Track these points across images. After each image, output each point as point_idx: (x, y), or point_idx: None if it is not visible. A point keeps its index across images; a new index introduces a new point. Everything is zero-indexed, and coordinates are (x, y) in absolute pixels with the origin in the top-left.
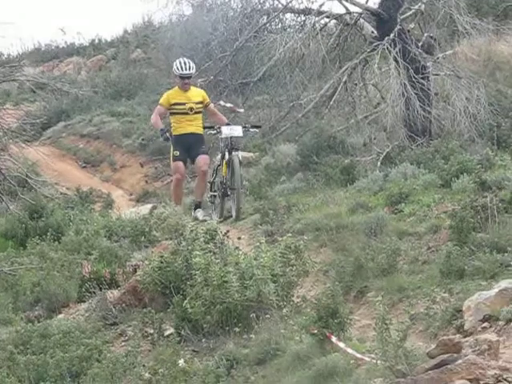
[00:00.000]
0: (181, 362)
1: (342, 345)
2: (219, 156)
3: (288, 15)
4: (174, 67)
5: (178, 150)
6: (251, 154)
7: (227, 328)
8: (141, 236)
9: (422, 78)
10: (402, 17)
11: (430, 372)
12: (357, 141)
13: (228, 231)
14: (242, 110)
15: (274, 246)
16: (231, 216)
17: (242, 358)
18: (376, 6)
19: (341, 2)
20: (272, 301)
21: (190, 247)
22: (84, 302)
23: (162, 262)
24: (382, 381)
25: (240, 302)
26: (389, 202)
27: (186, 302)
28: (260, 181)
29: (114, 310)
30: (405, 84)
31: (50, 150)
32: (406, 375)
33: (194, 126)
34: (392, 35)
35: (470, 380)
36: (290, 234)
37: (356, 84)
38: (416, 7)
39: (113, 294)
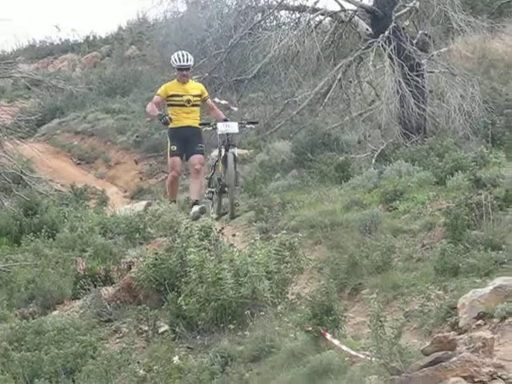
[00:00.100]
0: (175, 358)
1: (336, 342)
2: (217, 152)
3: (283, 12)
4: (172, 59)
5: (174, 145)
6: (246, 151)
7: (222, 325)
8: (135, 233)
9: (417, 76)
10: (396, 14)
11: (424, 369)
12: (351, 138)
13: (223, 228)
14: (235, 109)
15: (269, 243)
16: (228, 212)
17: (237, 355)
18: (371, 4)
19: (335, 0)
20: (266, 298)
21: (184, 244)
22: (78, 298)
23: (156, 259)
24: (377, 378)
25: (234, 299)
26: (383, 199)
27: (180, 298)
28: (255, 178)
29: (108, 306)
30: (399, 81)
31: (44, 147)
32: (400, 372)
33: (190, 118)
34: (387, 32)
35: (464, 377)
36: (284, 231)
37: (351, 81)
38: (411, 5)
39: (107, 291)
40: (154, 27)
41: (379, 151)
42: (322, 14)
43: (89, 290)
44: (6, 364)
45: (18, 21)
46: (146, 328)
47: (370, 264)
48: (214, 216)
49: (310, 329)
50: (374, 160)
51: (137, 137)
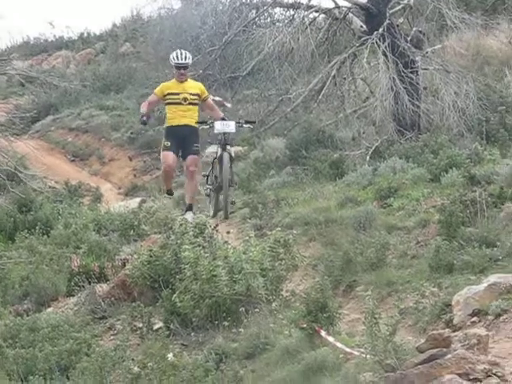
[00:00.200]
0: (170, 355)
1: (331, 339)
2: (213, 149)
3: (277, 9)
4: (171, 57)
5: (169, 141)
6: (240, 148)
7: (216, 322)
8: (130, 230)
9: (411, 73)
10: (390, 11)
11: (419, 366)
12: (346, 135)
13: (217, 225)
14: (229, 105)
15: (263, 240)
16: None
17: (231, 352)
18: (365, 1)
19: None
20: (261, 295)
21: (179, 241)
22: (73, 295)
23: (151, 256)
24: (371, 375)
25: (229, 296)
26: (378, 196)
27: (175, 295)
28: (249, 175)
29: (102, 303)
30: (394, 78)
31: (38, 144)
32: (395, 369)
33: (187, 117)
34: (381, 30)
35: (459, 374)
36: (279, 228)
37: (345, 78)
38: (405, 2)
39: (102, 288)
40: (149, 24)
41: (373, 148)
42: (317, 11)
43: (83, 286)
44: (0, 361)
45: (13, 18)
46: (141, 325)
47: (364, 261)
48: (211, 214)
49: (305, 326)
50: (368, 157)
51: (131, 133)
